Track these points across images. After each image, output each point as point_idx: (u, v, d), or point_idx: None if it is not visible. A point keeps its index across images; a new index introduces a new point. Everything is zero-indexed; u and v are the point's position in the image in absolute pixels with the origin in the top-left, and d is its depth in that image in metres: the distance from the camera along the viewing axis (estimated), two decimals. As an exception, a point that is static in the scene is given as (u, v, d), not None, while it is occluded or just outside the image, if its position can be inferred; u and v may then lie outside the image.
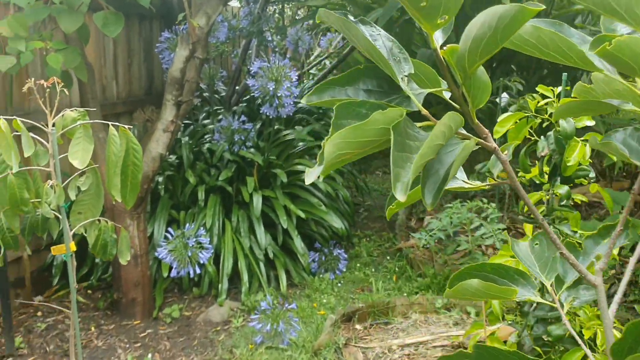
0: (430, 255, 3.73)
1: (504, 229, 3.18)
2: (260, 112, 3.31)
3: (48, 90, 1.79)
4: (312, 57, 7.26)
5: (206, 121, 4.69)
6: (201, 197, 3.72)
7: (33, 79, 1.79)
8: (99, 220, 1.96)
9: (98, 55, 4.32)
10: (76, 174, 1.87)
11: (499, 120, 2.11)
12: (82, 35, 2.96)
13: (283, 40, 4.60)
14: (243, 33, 4.53)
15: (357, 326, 2.96)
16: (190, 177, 3.66)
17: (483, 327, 2.44)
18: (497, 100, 3.88)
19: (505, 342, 2.51)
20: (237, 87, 5.25)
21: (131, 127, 4.55)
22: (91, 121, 1.81)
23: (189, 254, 2.95)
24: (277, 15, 4.89)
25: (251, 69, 3.20)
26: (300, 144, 4.33)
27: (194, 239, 3.00)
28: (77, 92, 3.52)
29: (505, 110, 3.92)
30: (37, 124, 1.82)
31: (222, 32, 4.18)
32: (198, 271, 2.99)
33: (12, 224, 1.77)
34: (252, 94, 5.55)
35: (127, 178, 1.82)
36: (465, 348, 2.59)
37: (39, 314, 3.40)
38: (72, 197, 1.85)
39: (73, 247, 1.86)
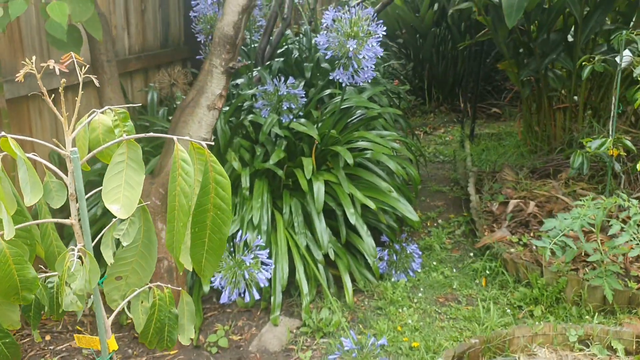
0: (534, 257, 3.00)
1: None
2: (331, 77, 2.50)
3: (64, 74, 0.99)
4: None
5: (239, 81, 3.86)
6: (245, 184, 2.94)
7: (34, 58, 0.99)
8: (149, 287, 1.19)
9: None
10: (113, 221, 1.09)
11: None
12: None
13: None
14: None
15: (470, 369, 2.25)
16: (232, 161, 2.86)
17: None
18: (617, 59, 3.06)
19: None
20: (271, 38, 4.39)
21: (148, 89, 3.71)
22: (140, 135, 1.01)
23: (246, 276, 2.21)
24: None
25: (323, 21, 2.36)
26: (358, 112, 3.52)
27: (252, 255, 2.24)
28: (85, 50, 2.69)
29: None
30: (47, 144, 1.02)
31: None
32: (257, 297, 2.25)
33: (8, 319, 1.01)
34: (287, 46, 4.71)
35: (203, 231, 1.05)
36: None
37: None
38: (109, 259, 1.08)
39: (114, 344, 1.10)
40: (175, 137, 1.00)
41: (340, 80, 2.50)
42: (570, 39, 4.30)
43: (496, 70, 7.81)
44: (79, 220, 1.00)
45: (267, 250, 2.31)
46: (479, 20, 4.50)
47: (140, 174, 1.01)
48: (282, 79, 3.25)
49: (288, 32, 5.26)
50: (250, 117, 3.12)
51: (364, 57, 2.34)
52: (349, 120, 3.54)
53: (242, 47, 4.46)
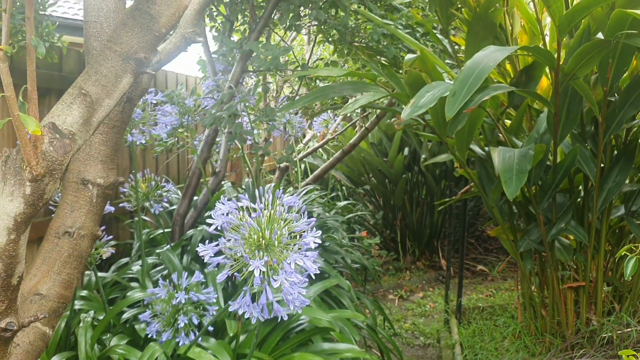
0: None
1: None
2: (231, 310, 1.42)
3: None
4: (300, 145, 5.48)
5: (135, 267, 2.76)
6: None
7: None
8: None
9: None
10: None
11: None
12: None
13: (272, 129, 2.79)
14: (205, 119, 2.70)
15: None
16: None
17: None
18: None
19: None
20: (196, 197, 3.40)
21: None
22: None
23: None
24: (258, 90, 3.09)
25: (210, 220, 1.33)
26: (303, 317, 2.42)
27: None
28: None
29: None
30: None
31: (165, 122, 2.34)
32: None
33: None
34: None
35: None
36: None
37: None
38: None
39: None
40: None
41: (247, 315, 1.43)
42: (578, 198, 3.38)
43: (477, 215, 6.91)
44: None
45: None
46: (462, 174, 3.59)
47: None
48: (186, 274, 2.17)
49: (228, 184, 4.30)
50: (122, 345, 1.97)
51: (281, 286, 1.29)
52: (290, 328, 2.43)
53: (160, 205, 3.45)
